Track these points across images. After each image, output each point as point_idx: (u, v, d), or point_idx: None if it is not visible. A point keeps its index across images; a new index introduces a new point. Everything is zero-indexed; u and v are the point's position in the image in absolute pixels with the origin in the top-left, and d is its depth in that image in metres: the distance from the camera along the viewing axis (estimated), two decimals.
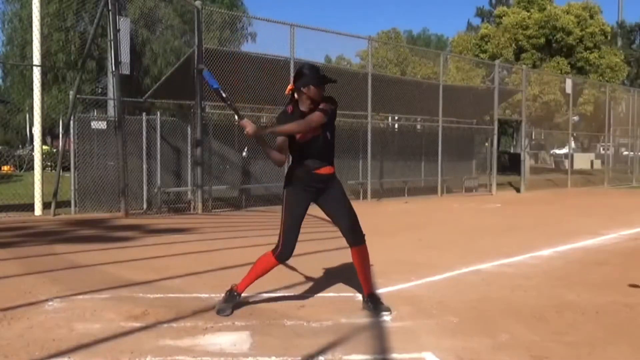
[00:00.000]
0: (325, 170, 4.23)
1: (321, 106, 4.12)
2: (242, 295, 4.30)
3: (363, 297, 4.47)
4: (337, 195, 4.31)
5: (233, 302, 4.27)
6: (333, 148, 4.33)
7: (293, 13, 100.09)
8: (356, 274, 5.61)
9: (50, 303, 4.50)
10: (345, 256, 6.50)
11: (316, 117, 4.08)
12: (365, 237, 4.36)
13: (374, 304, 4.35)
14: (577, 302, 4.79)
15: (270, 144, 4.15)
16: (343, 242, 7.12)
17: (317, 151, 4.22)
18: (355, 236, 4.30)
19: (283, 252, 4.19)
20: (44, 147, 13.79)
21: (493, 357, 3.50)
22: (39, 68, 10.81)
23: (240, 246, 7.24)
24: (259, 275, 4.31)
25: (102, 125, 11.54)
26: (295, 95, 4.22)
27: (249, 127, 3.93)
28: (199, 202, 11.72)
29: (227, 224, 10.11)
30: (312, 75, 4.16)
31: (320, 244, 7.07)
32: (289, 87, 4.22)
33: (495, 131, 18.55)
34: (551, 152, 37.26)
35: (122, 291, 4.89)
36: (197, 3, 11.57)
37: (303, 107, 4.17)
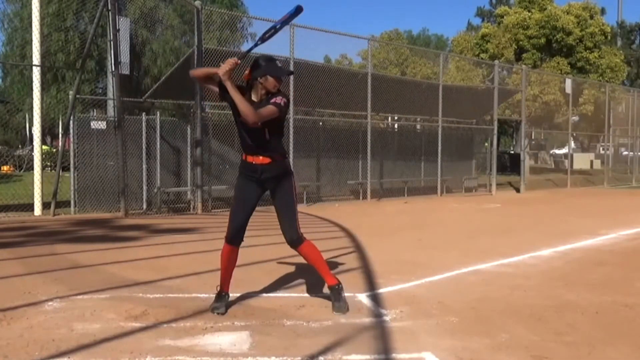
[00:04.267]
0: (258, 160, 4.21)
1: (276, 100, 4.08)
2: (243, 295, 4.30)
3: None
4: (278, 191, 4.29)
5: (224, 301, 4.30)
6: (276, 140, 4.27)
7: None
8: (356, 275, 5.64)
9: (50, 303, 4.50)
10: (345, 257, 6.51)
11: (268, 111, 4.06)
12: (301, 238, 4.27)
13: (333, 297, 4.35)
14: (576, 302, 4.79)
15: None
16: (343, 242, 7.15)
17: (255, 141, 4.19)
18: (288, 237, 4.27)
19: (228, 234, 4.27)
20: (44, 147, 13.79)
21: (493, 357, 3.50)
22: (38, 68, 10.81)
23: (240, 246, 7.23)
24: (227, 267, 4.32)
25: (102, 125, 11.55)
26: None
27: (224, 69, 4.00)
28: (199, 202, 11.72)
29: (227, 224, 10.10)
30: (269, 66, 4.16)
31: (320, 244, 7.05)
32: (245, 75, 4.19)
33: (495, 131, 18.55)
34: (551, 152, 37.27)
35: (122, 291, 4.89)
36: (197, 3, 11.57)
37: (255, 97, 4.17)
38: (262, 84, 4.13)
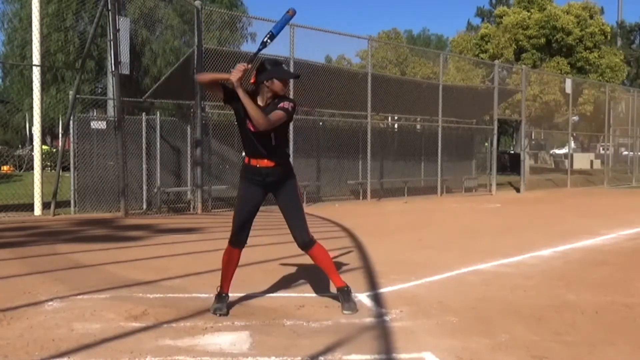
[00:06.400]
0: (263, 163, 4.19)
1: (283, 105, 4.07)
2: (243, 295, 4.30)
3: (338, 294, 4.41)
4: (284, 194, 4.29)
5: (225, 301, 4.28)
6: (281, 144, 4.23)
7: None
8: (356, 275, 5.64)
9: (50, 303, 4.50)
10: (345, 257, 6.51)
11: (277, 116, 4.04)
12: (313, 241, 4.29)
13: (342, 297, 4.34)
14: (576, 302, 4.79)
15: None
16: (343, 242, 7.15)
17: (261, 145, 4.17)
18: (300, 240, 4.27)
19: (232, 237, 4.27)
20: (44, 147, 13.79)
21: (492, 357, 3.50)
22: (38, 68, 10.81)
23: None
24: (228, 269, 4.30)
25: (102, 125, 11.56)
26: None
27: (238, 77, 3.96)
28: (199, 202, 11.72)
29: (227, 224, 10.06)
30: (275, 69, 4.16)
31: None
32: (252, 80, 4.18)
33: (495, 131, 18.55)
34: (551, 152, 37.25)
35: (122, 291, 4.89)
36: (197, 3, 11.57)
37: (261, 101, 4.15)
38: (269, 87, 4.12)
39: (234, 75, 3.96)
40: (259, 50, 4.18)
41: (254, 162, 4.21)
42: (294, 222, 4.27)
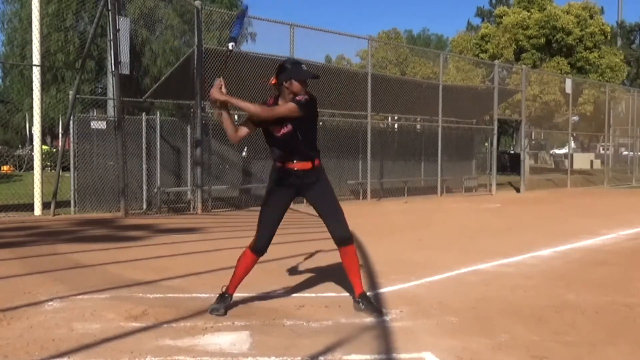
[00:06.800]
0: (298, 165, 4.19)
1: (297, 98, 4.08)
2: (243, 295, 4.30)
3: (354, 297, 4.37)
4: (320, 192, 4.29)
5: (225, 302, 4.27)
6: (311, 143, 4.24)
7: (293, 13, 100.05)
8: None
9: (50, 303, 4.50)
10: None
11: (285, 108, 4.07)
12: (352, 238, 4.29)
13: (366, 304, 4.29)
14: (576, 302, 4.79)
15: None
16: None
17: (290, 147, 4.17)
18: (342, 235, 4.25)
19: (257, 245, 4.26)
20: (44, 147, 13.79)
21: (492, 357, 3.50)
22: (38, 68, 10.81)
23: (240, 246, 7.21)
24: (243, 274, 4.31)
25: (102, 125, 11.55)
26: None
27: (216, 91, 4.01)
28: (199, 202, 11.72)
29: (227, 224, 10.10)
30: (294, 69, 4.18)
31: (320, 244, 7.06)
32: (272, 80, 4.20)
33: (495, 131, 18.55)
34: (551, 152, 37.24)
35: (122, 291, 4.89)
36: (197, 3, 11.57)
37: (282, 102, 4.17)
38: (288, 88, 4.12)
39: (212, 93, 4.03)
40: (227, 57, 4.24)
41: (289, 165, 4.18)
42: (335, 219, 4.25)
